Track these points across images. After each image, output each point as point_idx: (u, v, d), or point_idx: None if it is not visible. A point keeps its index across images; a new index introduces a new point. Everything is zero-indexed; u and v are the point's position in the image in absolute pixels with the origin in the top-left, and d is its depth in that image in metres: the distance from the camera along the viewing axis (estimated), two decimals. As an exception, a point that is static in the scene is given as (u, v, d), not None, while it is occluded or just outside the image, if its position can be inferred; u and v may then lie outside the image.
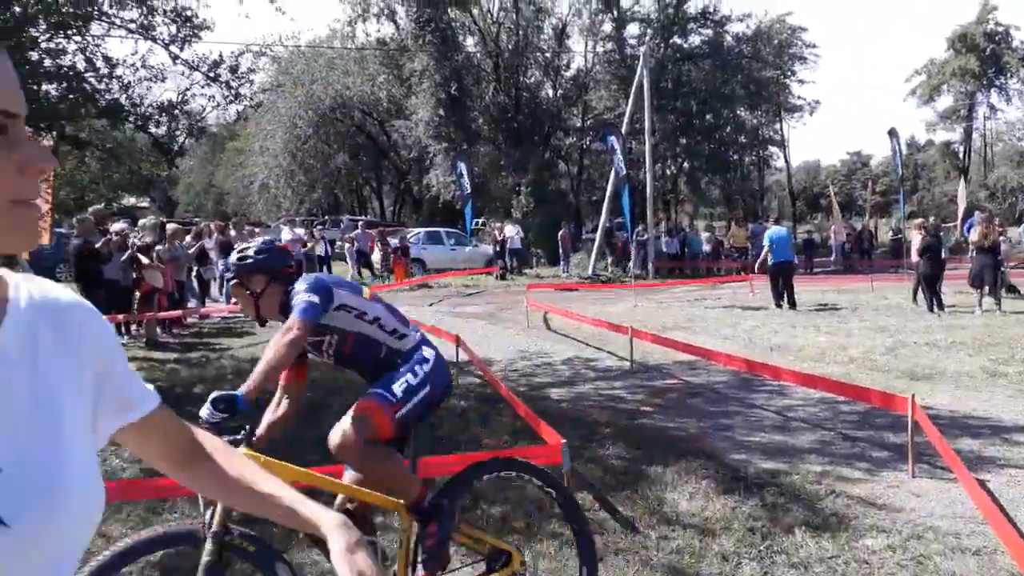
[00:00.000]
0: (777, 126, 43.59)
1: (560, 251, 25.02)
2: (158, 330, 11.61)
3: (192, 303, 13.95)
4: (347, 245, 23.26)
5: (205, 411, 2.64)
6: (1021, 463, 5.37)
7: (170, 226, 13.64)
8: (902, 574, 3.70)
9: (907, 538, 4.08)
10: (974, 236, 13.99)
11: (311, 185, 37.10)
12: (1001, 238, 15.26)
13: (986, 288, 13.55)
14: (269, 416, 3.24)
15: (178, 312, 12.51)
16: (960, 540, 4.06)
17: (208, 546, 2.57)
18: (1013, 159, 38.75)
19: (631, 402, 7.47)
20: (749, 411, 7.12)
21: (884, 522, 4.33)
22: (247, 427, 2.87)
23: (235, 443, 2.70)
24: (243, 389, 2.70)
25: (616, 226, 26.74)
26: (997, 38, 43.45)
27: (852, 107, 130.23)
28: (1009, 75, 42.94)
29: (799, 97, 42.73)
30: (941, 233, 15.12)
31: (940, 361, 9.23)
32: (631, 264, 24.02)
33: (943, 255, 14.36)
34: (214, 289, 16.59)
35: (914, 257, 14.86)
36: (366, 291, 3.39)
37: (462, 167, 23.58)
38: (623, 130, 22.92)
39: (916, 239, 14.71)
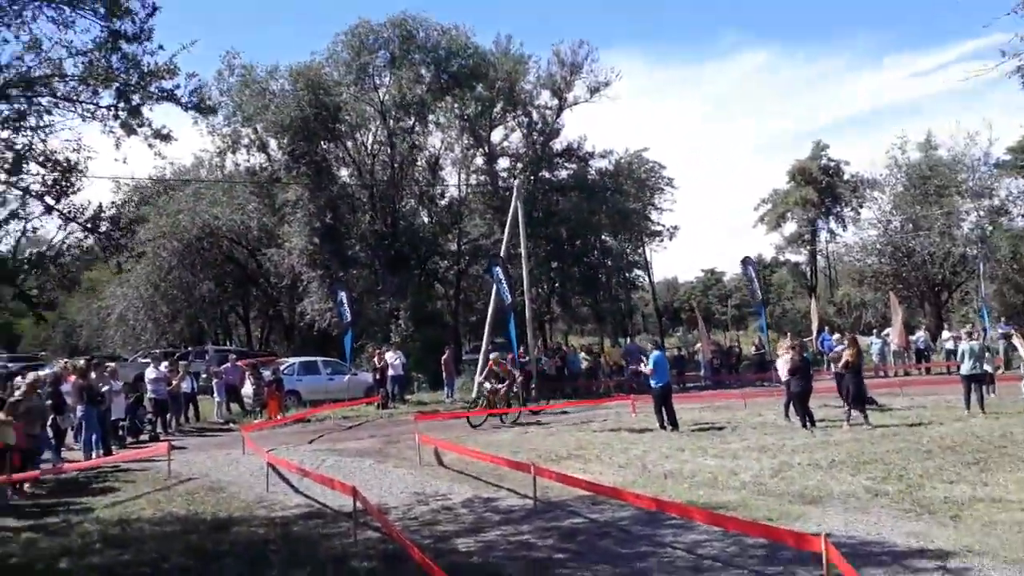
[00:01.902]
0: (640, 250, 46.17)
1: (444, 376, 24.76)
2: (8, 492, 10.39)
3: (47, 456, 12.65)
4: (215, 380, 22.06)
5: None
6: (927, 593, 5.56)
7: (29, 375, 12.47)
8: None
9: None
10: (848, 357, 14.98)
11: (173, 315, 35.38)
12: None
13: (851, 406, 14.45)
14: None
15: (34, 473, 11.29)
16: None
17: None
18: (854, 277, 42.51)
19: (542, 548, 7.27)
20: (659, 551, 7.07)
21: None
22: None
23: None
24: None
25: (496, 347, 26.91)
26: (830, 171, 48.65)
27: (707, 227, 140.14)
28: (844, 204, 47.84)
29: (659, 224, 45.67)
30: (806, 353, 16.11)
31: (825, 482, 9.62)
32: (514, 387, 24.04)
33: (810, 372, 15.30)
34: (69, 438, 15.20)
35: (783, 375, 15.71)
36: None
37: (342, 295, 23.27)
38: (501, 256, 23.50)
39: (785, 358, 15.60)
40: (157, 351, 29.50)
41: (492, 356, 19.39)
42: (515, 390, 19.05)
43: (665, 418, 15.39)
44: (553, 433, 15.81)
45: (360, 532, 7.92)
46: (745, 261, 28.02)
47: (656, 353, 16.01)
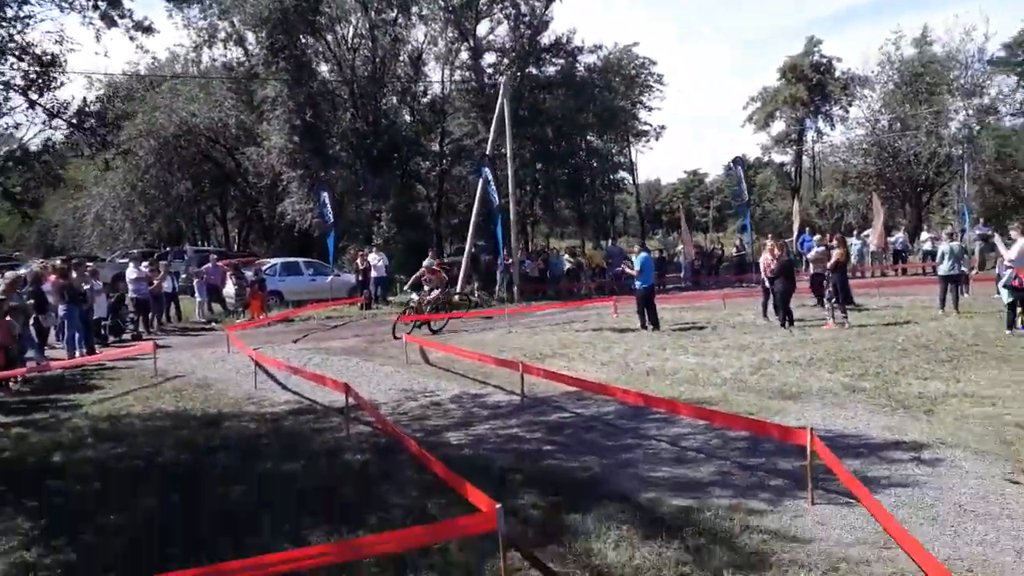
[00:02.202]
0: (626, 151, 45.71)
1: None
2: (-5, 389, 10.44)
3: (31, 354, 12.65)
4: (196, 280, 21.94)
5: None
6: (900, 482, 5.79)
7: (8, 274, 12.32)
8: (831, 612, 3.87)
9: (825, 572, 4.28)
10: (838, 257, 15.14)
11: (151, 215, 34.86)
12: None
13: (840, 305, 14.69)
14: None
15: (20, 370, 11.31)
16: (871, 567, 4.31)
17: None
18: (838, 178, 42.57)
19: (531, 441, 7.46)
20: (645, 443, 7.28)
21: (800, 556, 4.52)
22: None
23: None
24: None
25: (479, 250, 26.89)
26: (822, 69, 47.81)
27: (691, 128, 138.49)
28: (833, 102, 47.29)
29: (646, 123, 45.04)
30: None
31: (804, 379, 9.86)
32: (497, 289, 24.20)
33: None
34: (52, 338, 15.18)
35: (763, 275, 15.88)
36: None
37: (324, 196, 22.94)
38: (489, 155, 23.15)
39: (766, 258, 15.72)
40: (135, 251, 29.22)
41: (425, 263, 18.30)
42: (453, 296, 18.12)
43: (647, 318, 15.60)
44: (537, 333, 16.00)
45: (352, 427, 8.08)
46: (735, 161, 27.92)
47: (643, 254, 16.06)
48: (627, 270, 16.60)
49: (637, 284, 15.73)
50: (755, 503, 5.47)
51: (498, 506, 4.14)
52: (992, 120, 36.46)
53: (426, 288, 17.31)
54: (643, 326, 15.60)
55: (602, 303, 20.40)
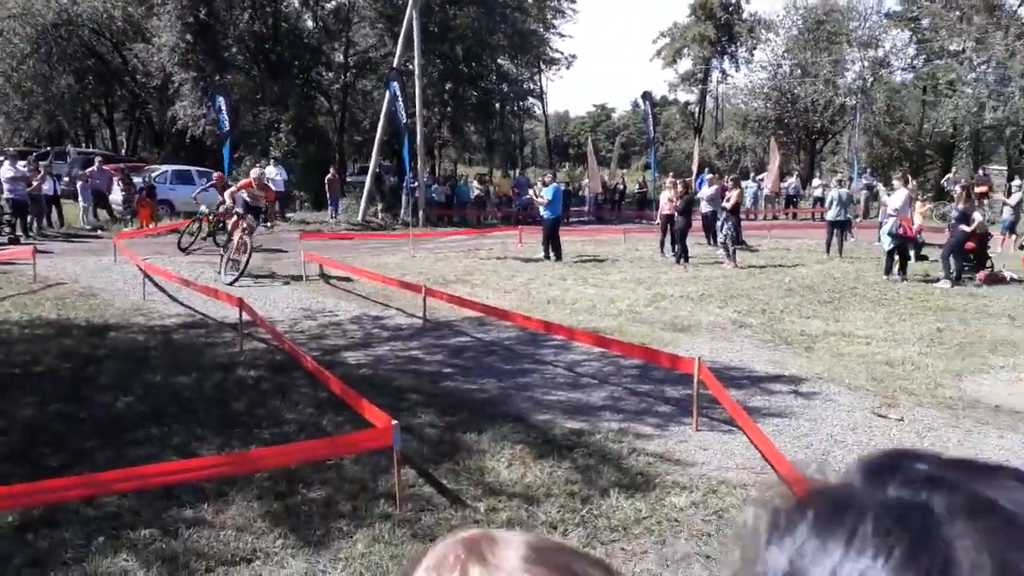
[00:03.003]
0: (536, 78, 45.21)
1: (328, 195, 24.12)
2: None
3: None
4: (80, 183, 20.61)
5: None
6: (779, 412, 6.16)
7: None
8: (708, 529, 4.11)
9: (705, 493, 4.53)
10: (736, 199, 15.61)
11: (29, 111, 32.28)
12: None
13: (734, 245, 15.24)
14: None
15: None
16: (748, 490, 4.58)
17: None
18: (739, 120, 43.63)
19: (431, 363, 7.49)
20: (542, 368, 7.44)
21: (683, 479, 4.76)
22: None
23: None
24: None
25: (384, 170, 26.31)
26: (730, 8, 48.25)
27: (601, 62, 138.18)
28: (739, 44, 48.00)
29: (557, 51, 44.55)
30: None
31: (695, 313, 10.26)
32: (403, 212, 23.85)
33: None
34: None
35: (664, 210, 16.27)
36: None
37: (221, 101, 21.76)
38: (397, 69, 22.44)
39: (668, 195, 16.08)
40: (11, 149, 27.08)
41: (253, 173, 14.72)
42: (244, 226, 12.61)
43: (551, 249, 15.76)
44: (441, 259, 15.93)
45: (246, 343, 7.89)
46: (645, 95, 28.19)
47: (554, 185, 16.16)
48: (536, 199, 16.61)
49: (545, 214, 15.82)
50: (643, 428, 5.71)
51: (394, 422, 4.15)
52: (885, 73, 38.04)
53: (234, 205, 13.06)
54: (546, 256, 15.77)
55: (507, 231, 20.44)
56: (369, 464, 4.78)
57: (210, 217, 15.57)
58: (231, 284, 11.44)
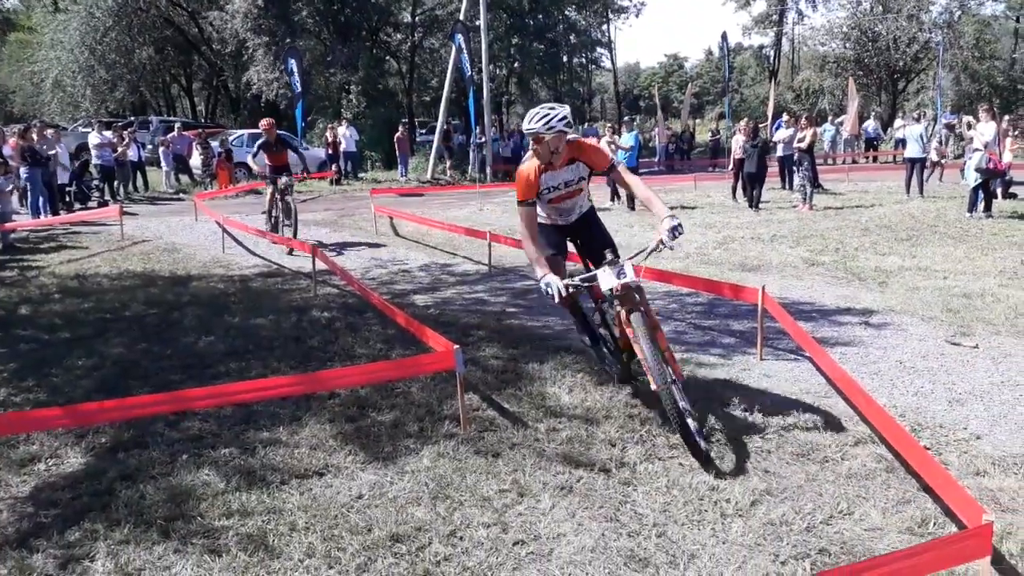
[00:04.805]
0: (604, 27, 44.31)
1: (397, 154, 24.43)
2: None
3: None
4: (162, 149, 21.45)
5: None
6: (846, 341, 6.06)
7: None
8: (768, 446, 4.13)
9: (767, 414, 4.53)
10: (811, 138, 15.14)
11: (113, 83, 33.52)
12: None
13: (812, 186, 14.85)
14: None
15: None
16: (811, 413, 4.56)
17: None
18: (816, 63, 41.84)
19: (495, 304, 7.62)
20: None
21: (744, 401, 4.76)
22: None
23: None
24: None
25: (453, 128, 26.42)
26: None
27: (671, 8, 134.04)
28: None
29: (626, -2, 43.52)
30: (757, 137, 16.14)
31: (765, 253, 10.09)
32: (470, 167, 23.97)
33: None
34: (16, 203, 14.88)
35: (737, 155, 15.89)
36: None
37: (292, 64, 22.18)
38: (463, 21, 22.39)
39: (739, 138, 15.70)
40: (95, 120, 28.30)
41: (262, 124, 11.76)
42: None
43: (622, 196, 15.65)
44: (507, 212, 15.98)
45: (320, 289, 8.18)
46: (723, 36, 27.58)
47: (634, 132, 16.05)
48: (618, 143, 16.10)
49: (622, 160, 15.59)
50: (706, 358, 5.71)
51: (456, 347, 4.29)
52: (974, 4, 35.83)
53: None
54: (612, 199, 15.71)
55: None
56: (435, 391, 4.96)
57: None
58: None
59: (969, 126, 15.12)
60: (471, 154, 24.21)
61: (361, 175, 24.58)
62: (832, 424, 4.39)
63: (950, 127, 24.83)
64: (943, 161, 18.87)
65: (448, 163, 25.20)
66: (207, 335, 6.49)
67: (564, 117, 4.19)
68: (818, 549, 3.15)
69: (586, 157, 4.47)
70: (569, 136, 4.32)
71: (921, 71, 37.88)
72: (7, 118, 41.95)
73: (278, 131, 11.88)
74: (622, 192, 15.70)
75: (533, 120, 4.20)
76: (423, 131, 33.78)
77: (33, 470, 4.03)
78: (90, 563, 3.15)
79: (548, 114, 4.18)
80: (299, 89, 22.51)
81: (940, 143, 20.83)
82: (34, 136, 13.91)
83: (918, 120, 17.67)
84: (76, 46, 30.87)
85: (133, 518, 3.46)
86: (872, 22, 36.26)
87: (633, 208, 15.33)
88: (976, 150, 13.05)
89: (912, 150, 15.66)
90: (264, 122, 11.25)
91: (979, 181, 12.66)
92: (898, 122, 28.10)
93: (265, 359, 5.78)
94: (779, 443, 4.16)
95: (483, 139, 23.58)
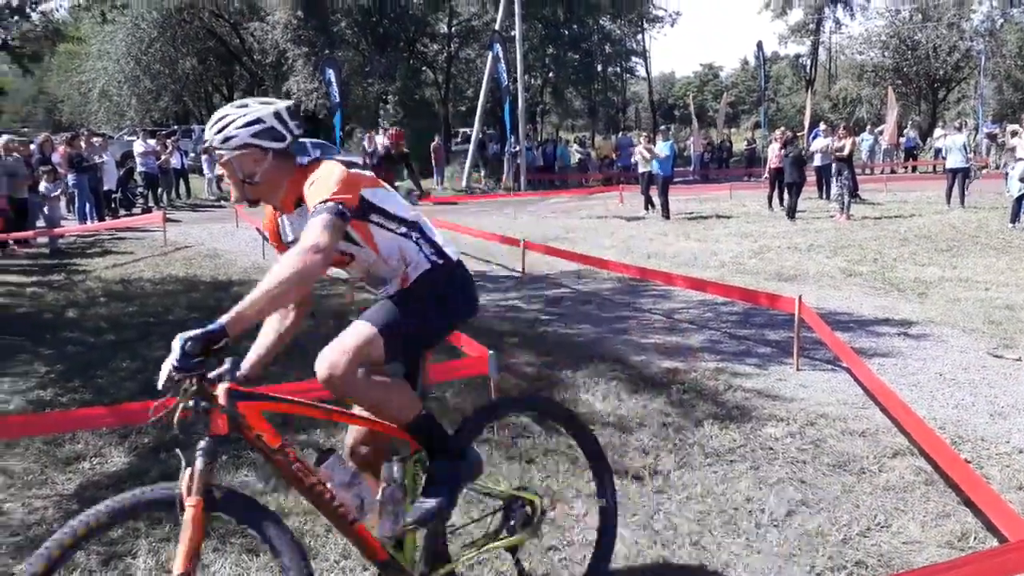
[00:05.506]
0: (639, 37, 44.23)
1: (433, 163, 24.64)
2: None
3: (41, 224, 12.81)
4: (204, 156, 21.86)
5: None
6: (885, 352, 5.98)
7: (3, 137, 12.30)
8: (803, 457, 4.10)
9: (803, 425, 4.50)
10: (850, 148, 14.99)
11: (157, 92, 34.31)
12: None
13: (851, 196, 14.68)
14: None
15: (29, 232, 11.49)
16: (848, 424, 4.52)
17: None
18: (854, 72, 41.26)
19: (529, 311, 7.66)
20: (639, 315, 7.47)
21: (780, 412, 4.73)
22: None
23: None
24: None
25: (488, 137, 26.57)
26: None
27: (707, 18, 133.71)
28: (854, -11, 45.14)
29: (661, 7, 43.35)
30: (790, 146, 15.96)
31: (802, 263, 9.99)
32: (505, 176, 24.08)
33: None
34: (63, 209, 15.31)
35: (773, 164, 15.76)
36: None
37: (331, 74, 22.52)
38: (499, 31, 22.55)
39: (775, 148, 15.58)
40: (144, 128, 28.99)
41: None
42: None
43: (657, 205, 15.58)
44: (542, 220, 16.07)
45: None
46: (758, 45, 27.45)
47: (669, 142, 16.03)
48: (653, 152, 15.86)
49: (658, 171, 15.48)
50: (742, 367, 5.68)
51: (491, 352, 4.32)
52: (1017, 12, 35.09)
53: None
54: (646, 207, 15.69)
55: (608, 191, 20.31)
56: (469, 396, 4.99)
57: None
58: None
59: (1013, 134, 14.81)
60: (505, 163, 24.31)
61: (397, 184, 24.80)
62: (869, 436, 4.34)
63: (992, 136, 24.36)
64: (984, 172, 18.54)
65: (483, 172, 25.34)
66: (248, 339, 6.59)
67: (255, 121, 2.40)
68: (855, 561, 3.12)
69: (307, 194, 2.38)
70: (303, 159, 2.59)
71: (962, 80, 37.20)
72: (56, 127, 43.09)
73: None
74: (656, 200, 15.66)
75: (208, 127, 2.48)
76: (458, 140, 34.02)
77: (78, 468, 4.15)
78: (132, 560, 3.23)
79: (226, 117, 2.42)
80: (337, 99, 22.85)
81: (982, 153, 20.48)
82: (82, 144, 14.32)
83: (959, 129, 17.35)
84: (122, 57, 31.67)
85: (173, 517, 3.54)
86: (911, 31, 35.72)
87: (668, 217, 15.28)
88: (1020, 159, 12.81)
89: (954, 160, 15.40)
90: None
91: (1022, 191, 12.41)
92: (937, 132, 27.61)
93: (303, 363, 5.86)
94: (815, 454, 4.13)
95: (517, 148, 23.68)
